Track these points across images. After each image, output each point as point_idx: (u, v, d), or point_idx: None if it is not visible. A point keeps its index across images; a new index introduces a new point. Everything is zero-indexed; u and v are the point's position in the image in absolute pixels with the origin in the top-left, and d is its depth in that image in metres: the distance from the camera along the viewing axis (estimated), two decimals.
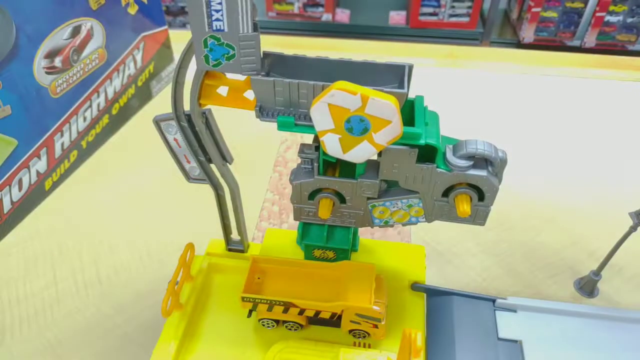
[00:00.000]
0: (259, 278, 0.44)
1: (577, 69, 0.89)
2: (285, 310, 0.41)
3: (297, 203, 0.41)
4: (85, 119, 0.67)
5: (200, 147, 0.40)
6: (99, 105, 0.69)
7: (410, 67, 0.33)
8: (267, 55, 0.33)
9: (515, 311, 0.43)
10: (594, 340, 0.42)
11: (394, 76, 0.33)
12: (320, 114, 0.32)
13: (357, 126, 0.32)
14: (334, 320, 0.42)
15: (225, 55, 0.31)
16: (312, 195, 0.40)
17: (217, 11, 0.29)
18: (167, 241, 0.56)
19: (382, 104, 0.30)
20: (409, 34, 1.89)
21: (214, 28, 0.30)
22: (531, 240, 0.57)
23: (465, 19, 1.86)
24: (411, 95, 0.34)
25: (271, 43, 0.93)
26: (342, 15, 2.01)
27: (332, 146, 0.33)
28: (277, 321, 0.43)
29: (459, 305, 0.43)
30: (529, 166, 0.67)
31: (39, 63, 0.57)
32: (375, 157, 0.35)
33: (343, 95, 0.30)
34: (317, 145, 0.38)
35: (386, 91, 0.31)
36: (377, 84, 0.32)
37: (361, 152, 0.33)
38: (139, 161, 0.69)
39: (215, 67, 0.32)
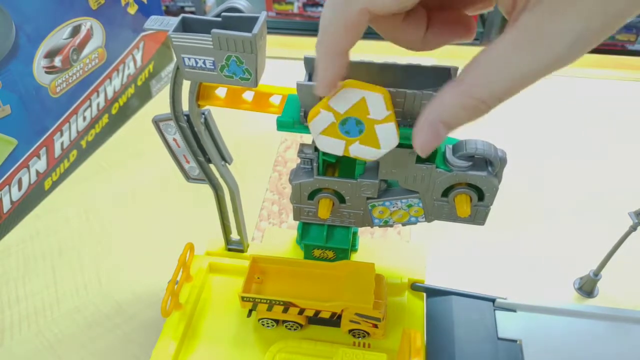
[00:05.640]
0: (258, 278, 0.44)
1: (577, 68, 0.89)
2: (285, 310, 0.41)
3: (296, 203, 0.41)
4: (85, 118, 0.67)
5: (199, 147, 0.40)
6: (98, 104, 0.69)
7: (456, 69, 0.32)
8: (308, 60, 0.33)
9: (515, 311, 0.43)
10: (593, 340, 0.42)
11: (438, 78, 0.32)
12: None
13: (351, 127, 0.32)
14: (334, 320, 0.42)
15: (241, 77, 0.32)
16: (312, 195, 0.40)
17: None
18: (166, 241, 0.56)
19: (392, 134, 0.31)
20: None
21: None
22: (531, 239, 0.57)
23: None
24: None
25: (271, 43, 0.93)
26: None
27: (365, 152, 0.33)
28: (276, 321, 0.43)
29: (459, 304, 0.43)
30: (529, 166, 0.67)
31: (39, 63, 0.57)
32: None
33: (379, 102, 0.30)
34: (316, 145, 0.38)
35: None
36: (421, 87, 0.31)
37: (331, 145, 0.33)
38: (138, 161, 0.69)
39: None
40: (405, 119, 0.33)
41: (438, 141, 0.28)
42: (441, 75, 0.32)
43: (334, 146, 0.33)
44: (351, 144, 0.33)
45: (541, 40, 0.22)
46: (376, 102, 0.30)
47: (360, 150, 0.33)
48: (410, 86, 0.31)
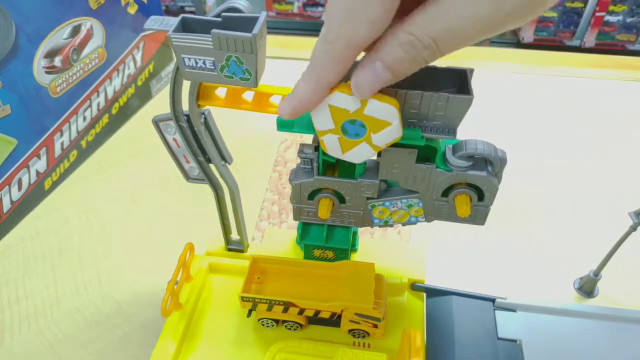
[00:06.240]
0: (258, 278, 0.44)
1: (577, 68, 0.89)
2: (285, 310, 0.41)
3: (296, 203, 0.41)
4: (85, 118, 0.67)
5: (199, 147, 0.40)
6: (98, 104, 0.69)
7: (472, 71, 0.32)
8: None
9: (514, 311, 0.43)
10: (593, 340, 0.42)
11: (452, 81, 0.32)
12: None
13: (353, 129, 0.32)
14: (334, 320, 0.42)
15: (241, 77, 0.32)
16: (312, 195, 0.40)
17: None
18: (166, 241, 0.56)
19: (381, 107, 0.30)
20: None
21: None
22: (531, 240, 0.57)
23: None
24: None
25: (271, 43, 0.93)
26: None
27: (332, 146, 0.33)
28: (276, 321, 0.43)
29: (459, 304, 0.43)
30: (529, 166, 0.67)
31: (39, 63, 0.57)
32: (375, 157, 0.35)
33: (343, 96, 0.30)
34: (316, 145, 0.38)
35: (451, 97, 0.31)
36: (436, 89, 0.31)
37: (360, 153, 0.33)
38: (138, 161, 0.69)
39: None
40: (421, 121, 0.33)
41: (375, 80, 0.28)
42: (457, 77, 0.32)
43: (362, 153, 0.33)
44: (371, 139, 0.32)
45: None
46: (340, 99, 0.30)
47: (381, 138, 0.32)
48: (426, 88, 0.31)
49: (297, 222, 0.47)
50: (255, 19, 0.31)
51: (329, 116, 0.32)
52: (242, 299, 0.42)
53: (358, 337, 0.42)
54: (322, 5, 2.02)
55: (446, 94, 0.31)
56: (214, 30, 0.30)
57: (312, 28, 2.02)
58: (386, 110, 0.31)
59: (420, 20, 0.25)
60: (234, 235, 0.48)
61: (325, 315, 0.41)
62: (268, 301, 0.41)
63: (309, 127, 0.34)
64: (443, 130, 0.33)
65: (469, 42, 0.25)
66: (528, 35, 1.94)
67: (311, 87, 0.29)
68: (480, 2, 0.23)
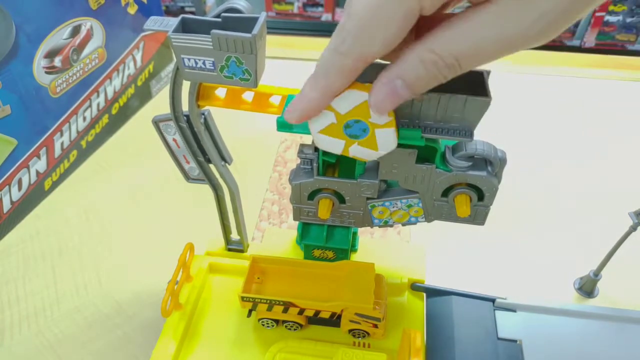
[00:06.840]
0: (258, 278, 0.44)
1: (577, 68, 0.89)
2: (285, 310, 0.41)
3: (296, 203, 0.41)
4: (85, 118, 0.67)
5: (199, 147, 0.40)
6: (98, 105, 0.69)
7: (488, 73, 0.32)
8: None
9: (514, 311, 0.43)
10: (593, 340, 0.42)
11: (465, 82, 0.31)
12: (326, 143, 0.33)
13: (355, 131, 0.32)
14: (334, 320, 0.42)
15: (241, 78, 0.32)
16: (312, 196, 0.40)
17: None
18: (166, 241, 0.56)
19: (342, 98, 0.30)
20: None
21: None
22: (531, 239, 0.57)
23: None
24: None
25: (271, 43, 0.92)
26: (342, 15, 2.01)
27: (363, 153, 0.33)
28: (276, 321, 0.43)
29: (459, 305, 0.43)
30: (529, 166, 0.67)
31: (39, 63, 0.57)
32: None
33: (318, 117, 0.30)
34: (316, 145, 0.38)
35: (469, 99, 0.30)
36: (452, 91, 0.31)
37: (384, 139, 0.32)
38: (138, 161, 0.69)
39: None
40: (437, 123, 0.32)
41: (394, 99, 0.27)
42: (470, 78, 0.31)
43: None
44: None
45: (509, 15, 0.23)
46: (321, 121, 0.31)
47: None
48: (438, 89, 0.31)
49: (297, 222, 0.47)
50: (255, 19, 0.31)
51: (330, 139, 0.32)
52: (242, 299, 0.42)
53: (358, 337, 0.42)
54: (322, 6, 2.02)
55: (464, 96, 0.30)
56: (214, 31, 0.30)
57: (312, 28, 2.02)
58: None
59: (444, 38, 0.25)
60: (234, 235, 0.48)
61: (325, 315, 0.41)
62: (268, 301, 0.41)
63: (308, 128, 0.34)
64: (460, 132, 0.32)
65: (492, 60, 0.25)
66: None
67: (319, 96, 0.29)
68: (507, 24, 0.23)
